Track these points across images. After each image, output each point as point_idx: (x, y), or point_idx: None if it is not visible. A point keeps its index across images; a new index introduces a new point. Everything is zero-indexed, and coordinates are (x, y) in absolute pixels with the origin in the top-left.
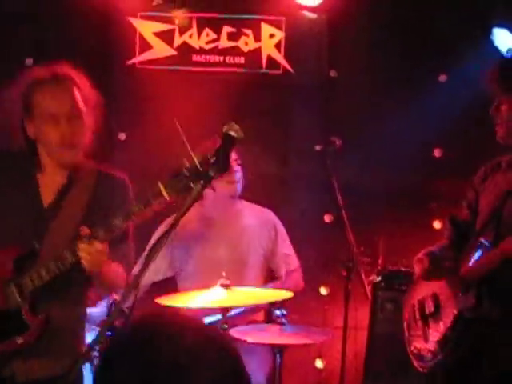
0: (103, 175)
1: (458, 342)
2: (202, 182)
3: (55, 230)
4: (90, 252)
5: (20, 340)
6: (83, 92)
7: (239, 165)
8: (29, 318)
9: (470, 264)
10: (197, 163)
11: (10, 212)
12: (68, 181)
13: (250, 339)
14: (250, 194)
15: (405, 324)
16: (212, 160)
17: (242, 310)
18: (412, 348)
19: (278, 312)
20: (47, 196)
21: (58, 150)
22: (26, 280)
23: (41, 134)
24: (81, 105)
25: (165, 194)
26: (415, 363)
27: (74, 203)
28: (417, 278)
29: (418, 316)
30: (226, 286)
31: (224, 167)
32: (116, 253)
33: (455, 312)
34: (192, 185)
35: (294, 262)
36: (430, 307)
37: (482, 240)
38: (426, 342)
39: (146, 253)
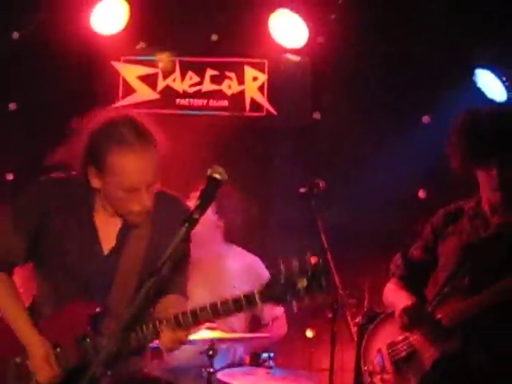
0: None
1: None
2: (186, 224)
3: (119, 279)
4: (172, 339)
5: None
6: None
7: (216, 213)
8: (98, 370)
9: (450, 309)
10: (295, 272)
11: (69, 251)
12: (125, 223)
13: (235, 382)
14: (235, 238)
15: (366, 370)
16: (198, 203)
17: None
18: None
19: (265, 355)
20: (106, 241)
21: (132, 215)
22: (103, 342)
23: (114, 198)
24: (156, 170)
25: (258, 301)
26: None
27: (134, 247)
28: (379, 321)
29: (388, 362)
30: (211, 329)
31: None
32: (177, 285)
33: (435, 357)
34: (287, 297)
35: (278, 310)
36: (402, 352)
37: (459, 285)
38: None
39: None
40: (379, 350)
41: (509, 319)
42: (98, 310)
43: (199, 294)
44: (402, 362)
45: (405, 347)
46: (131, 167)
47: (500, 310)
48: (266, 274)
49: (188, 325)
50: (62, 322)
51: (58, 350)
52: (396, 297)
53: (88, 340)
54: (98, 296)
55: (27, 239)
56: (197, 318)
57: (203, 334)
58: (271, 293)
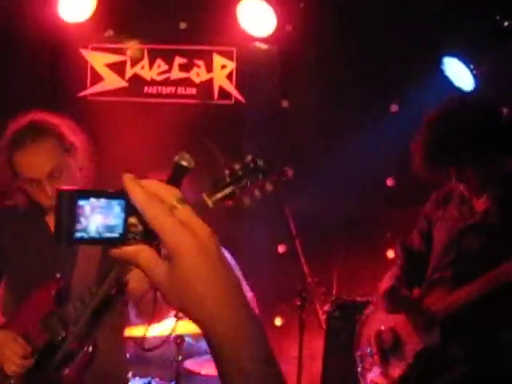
0: None
1: (419, 379)
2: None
3: (80, 263)
4: (139, 276)
5: (66, 371)
6: (64, 135)
7: None
8: (74, 348)
9: (434, 300)
10: (237, 169)
11: (29, 256)
12: None
13: (203, 371)
14: None
15: (358, 355)
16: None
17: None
18: (368, 381)
19: None
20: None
21: (50, 207)
22: (68, 309)
23: (31, 195)
24: (60, 158)
25: (209, 203)
26: None
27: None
28: (370, 311)
29: (375, 350)
30: (178, 317)
31: None
32: None
33: (418, 348)
34: (237, 190)
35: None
36: (388, 341)
37: (445, 275)
38: (385, 376)
39: None
40: (368, 338)
41: (486, 315)
42: (60, 284)
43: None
44: (388, 350)
45: (390, 336)
46: (24, 161)
47: (478, 307)
48: (235, 265)
49: None
50: (27, 310)
51: (25, 336)
52: (384, 282)
53: (54, 316)
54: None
55: None
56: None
57: (169, 323)
58: (218, 192)
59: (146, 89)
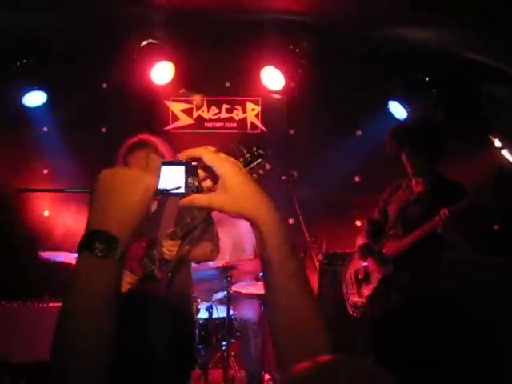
0: None
1: (380, 296)
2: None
3: (164, 220)
4: (166, 247)
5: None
6: (158, 148)
7: None
8: (159, 274)
9: (388, 247)
10: (248, 155)
11: None
12: (160, 202)
13: (243, 291)
14: None
15: (344, 285)
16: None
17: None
18: (350, 301)
19: (262, 273)
20: (153, 207)
21: None
22: (153, 253)
23: None
24: (154, 160)
25: None
26: (351, 310)
27: (169, 210)
28: (351, 258)
29: (354, 280)
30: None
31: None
32: (207, 234)
33: (380, 277)
34: (247, 168)
35: None
36: (362, 274)
37: (396, 232)
38: (360, 297)
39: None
40: (350, 274)
41: (421, 254)
42: (148, 239)
43: (224, 240)
44: (362, 280)
45: (363, 271)
46: (133, 160)
47: (416, 248)
48: None
49: (177, 235)
50: (130, 255)
51: (130, 270)
52: (358, 241)
53: (145, 257)
54: (151, 236)
55: None
56: (184, 228)
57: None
58: None
59: (205, 124)
